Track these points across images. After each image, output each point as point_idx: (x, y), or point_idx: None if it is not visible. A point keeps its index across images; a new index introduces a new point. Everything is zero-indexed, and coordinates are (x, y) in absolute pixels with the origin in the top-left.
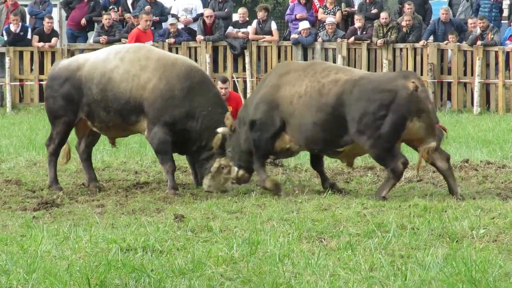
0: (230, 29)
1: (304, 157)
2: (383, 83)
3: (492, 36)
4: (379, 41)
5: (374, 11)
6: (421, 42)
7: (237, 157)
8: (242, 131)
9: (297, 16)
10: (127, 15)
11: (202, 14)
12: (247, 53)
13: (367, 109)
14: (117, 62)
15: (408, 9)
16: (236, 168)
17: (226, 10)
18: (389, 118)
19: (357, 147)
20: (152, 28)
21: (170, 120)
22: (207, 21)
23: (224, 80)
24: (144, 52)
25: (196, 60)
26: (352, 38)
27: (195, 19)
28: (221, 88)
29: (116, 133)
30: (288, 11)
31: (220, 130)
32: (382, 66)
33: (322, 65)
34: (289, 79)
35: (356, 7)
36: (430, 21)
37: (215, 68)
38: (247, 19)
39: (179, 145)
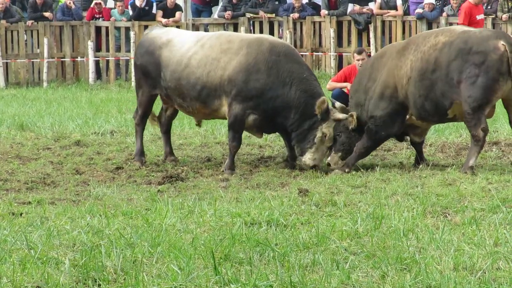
0: (351, 6)
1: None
2: (476, 43)
3: None
4: (504, 16)
5: None
6: None
7: (345, 144)
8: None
9: None
10: None
11: None
12: (371, 28)
13: (461, 68)
14: (196, 48)
15: None
16: (336, 155)
17: None
18: (480, 79)
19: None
20: (276, 2)
21: (254, 93)
22: None
23: (360, 51)
24: (226, 36)
25: (320, 35)
26: None
27: None
28: (358, 60)
29: (199, 116)
30: None
31: (339, 116)
32: None
33: (423, 35)
34: (394, 64)
35: None
36: None
37: (339, 43)
38: None
39: (274, 120)
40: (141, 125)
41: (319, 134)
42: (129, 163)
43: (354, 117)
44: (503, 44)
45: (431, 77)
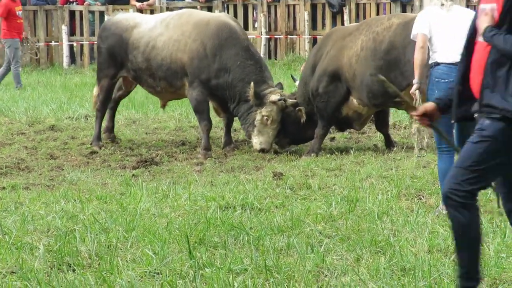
0: None
1: (402, 114)
2: None
3: None
4: None
5: None
6: None
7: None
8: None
9: None
10: None
11: None
12: (346, 11)
13: None
14: (162, 29)
15: None
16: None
17: None
18: None
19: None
20: None
21: (205, 78)
22: None
23: None
24: (186, 17)
25: (294, 18)
26: None
27: None
28: None
29: (167, 96)
30: None
31: (273, 98)
32: None
33: (376, 18)
34: (345, 44)
35: None
36: None
37: (313, 26)
38: None
39: (223, 104)
40: (101, 110)
41: (258, 117)
42: (103, 147)
43: (303, 111)
44: None
45: (385, 58)
